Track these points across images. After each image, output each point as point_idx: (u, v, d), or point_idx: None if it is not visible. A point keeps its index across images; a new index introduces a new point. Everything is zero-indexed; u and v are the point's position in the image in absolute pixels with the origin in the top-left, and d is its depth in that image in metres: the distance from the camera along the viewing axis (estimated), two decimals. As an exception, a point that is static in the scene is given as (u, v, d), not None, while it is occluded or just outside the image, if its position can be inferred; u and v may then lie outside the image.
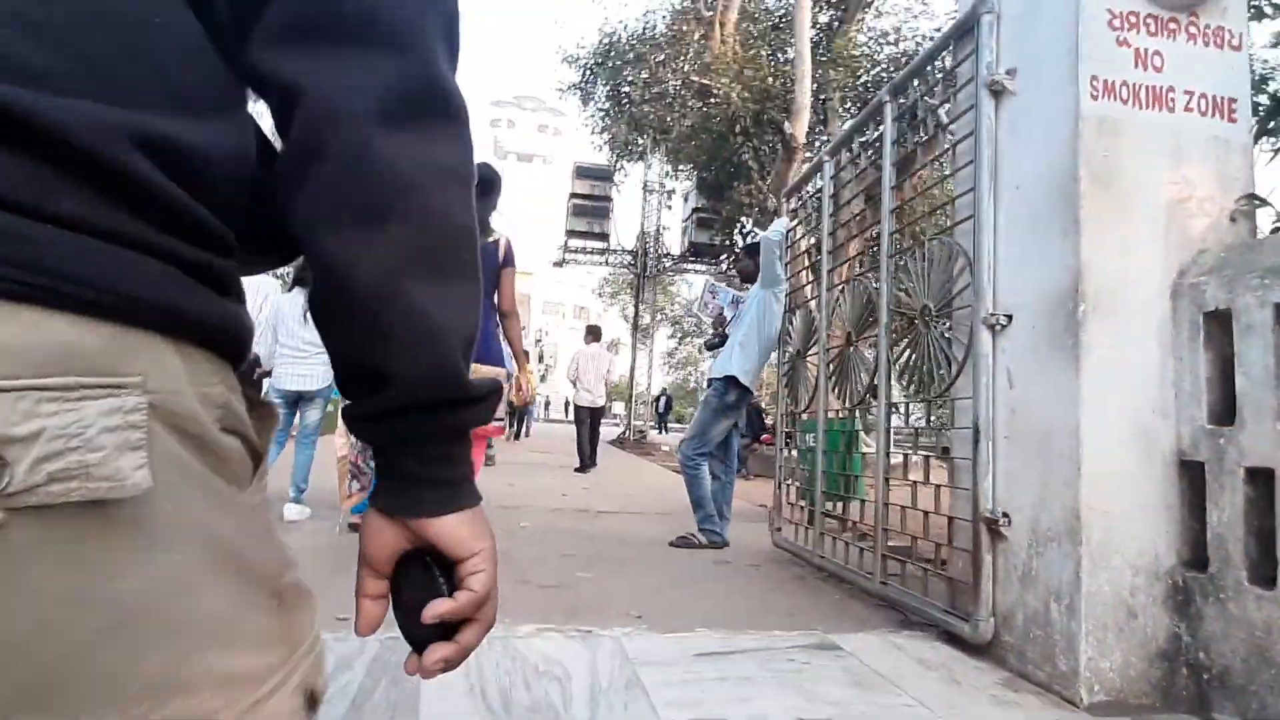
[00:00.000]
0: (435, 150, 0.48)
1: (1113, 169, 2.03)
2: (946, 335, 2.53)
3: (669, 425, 26.03)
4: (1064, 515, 1.94)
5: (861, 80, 12.12)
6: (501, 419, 3.73)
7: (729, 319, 4.81)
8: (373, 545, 0.53)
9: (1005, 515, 2.15)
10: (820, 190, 3.80)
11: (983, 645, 2.18)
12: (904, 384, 2.79)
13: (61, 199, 0.36)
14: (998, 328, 2.25)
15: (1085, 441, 1.91)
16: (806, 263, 4.16)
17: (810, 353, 3.88)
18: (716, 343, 4.81)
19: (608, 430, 17.92)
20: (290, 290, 4.58)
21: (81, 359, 0.35)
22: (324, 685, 0.49)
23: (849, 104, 13.45)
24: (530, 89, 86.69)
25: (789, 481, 4.14)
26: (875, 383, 3.04)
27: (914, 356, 2.70)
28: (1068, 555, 1.92)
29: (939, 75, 2.76)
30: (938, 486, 2.54)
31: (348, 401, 0.52)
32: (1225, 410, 1.87)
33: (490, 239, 3.29)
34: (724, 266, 19.28)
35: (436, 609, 0.50)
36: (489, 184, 3.24)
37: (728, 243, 17.77)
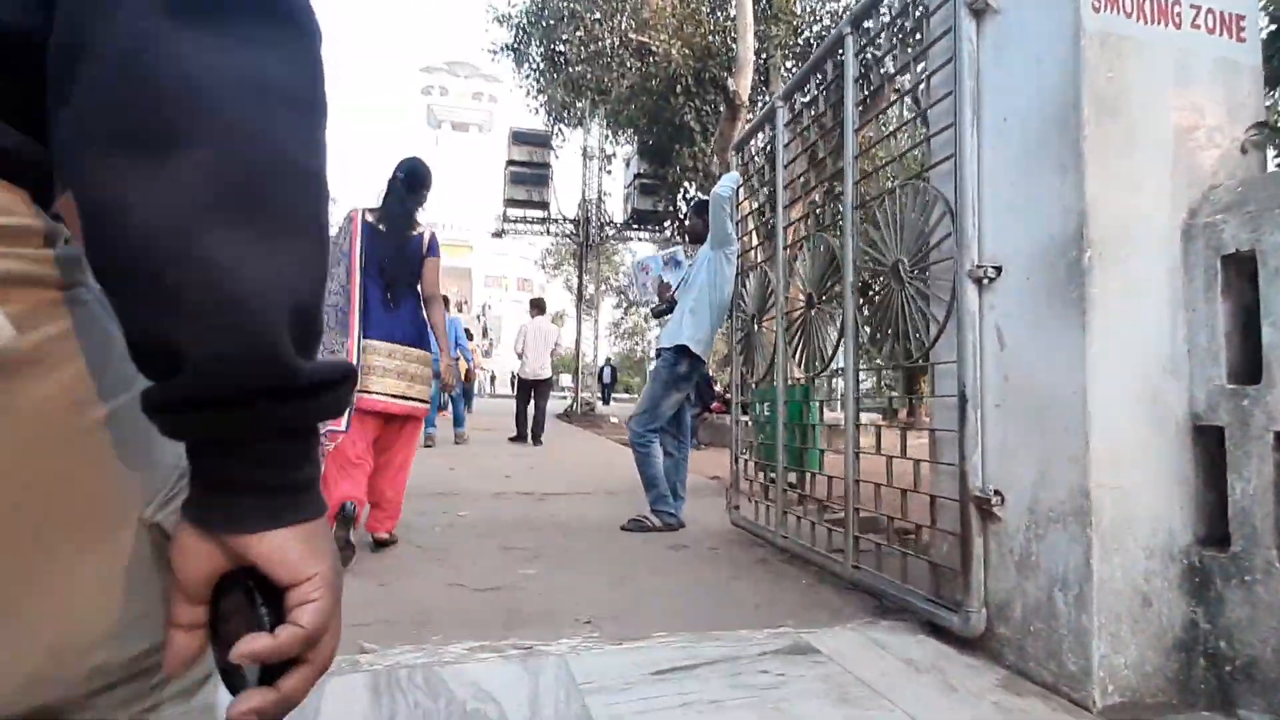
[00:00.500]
0: (252, 58, 0.38)
1: (1118, 94, 1.76)
2: (924, 292, 2.25)
3: (613, 396, 25.87)
4: (1070, 494, 1.70)
5: (804, 37, 11.81)
6: (429, 400, 3.37)
7: (675, 285, 4.48)
8: (185, 565, 0.42)
9: (998, 494, 1.90)
10: (772, 140, 3.48)
11: (974, 639, 1.94)
12: (876, 348, 2.52)
13: None
14: (985, 281, 1.98)
15: (1093, 410, 1.66)
16: (758, 221, 3.84)
17: (767, 317, 3.59)
18: (664, 310, 4.48)
19: (555, 404, 17.54)
20: None
21: None
22: None
23: (791, 61, 13.16)
24: (463, 54, 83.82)
25: (745, 456, 3.88)
26: (840, 348, 2.76)
27: (885, 318, 2.42)
28: (1075, 539, 1.68)
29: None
30: (916, 462, 2.28)
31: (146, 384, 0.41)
32: (1247, 368, 1.64)
33: (415, 231, 3.23)
34: (668, 233, 18.95)
35: (250, 646, 0.40)
36: (420, 179, 3.27)
37: (672, 209, 17.40)
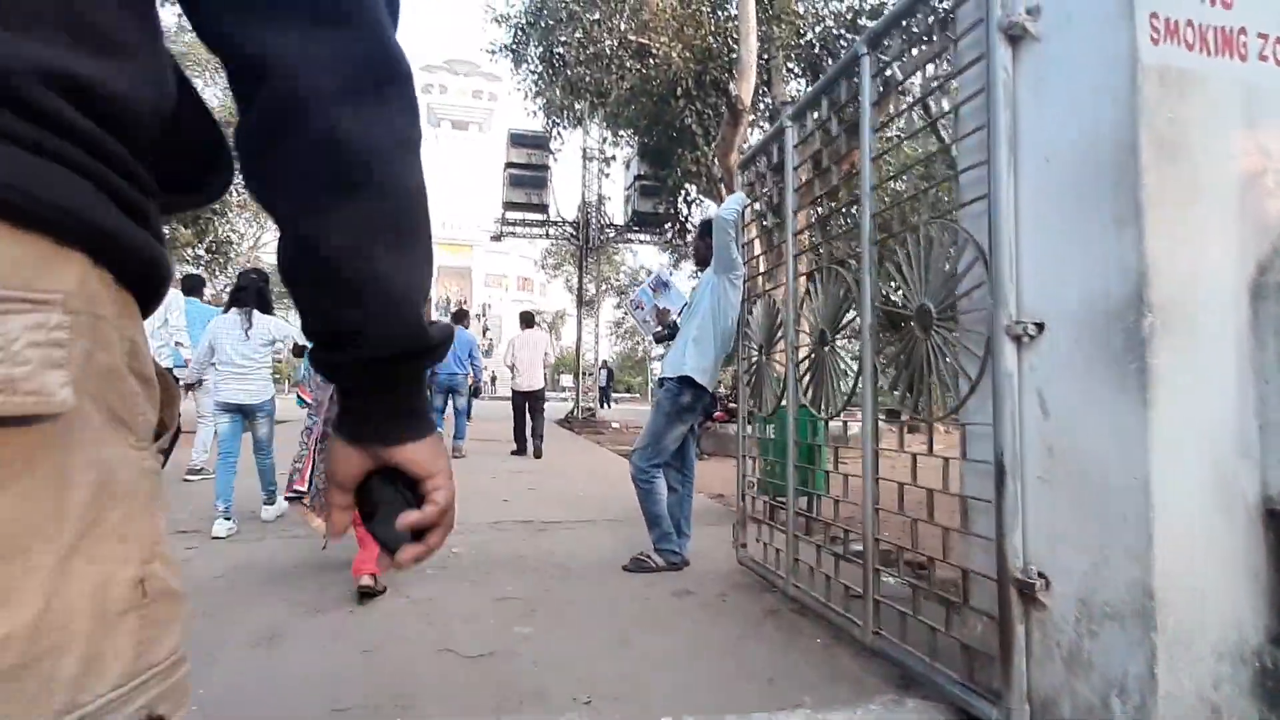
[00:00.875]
0: (394, 121, 0.53)
1: (1179, 136, 1.56)
2: (953, 343, 2.05)
3: (611, 398, 25.74)
4: (1131, 591, 1.50)
5: (806, 38, 11.58)
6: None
7: (674, 308, 4.28)
8: (341, 468, 0.60)
9: (1043, 577, 1.71)
10: (781, 162, 3.28)
11: (1015, 737, 1.75)
12: (898, 399, 2.32)
13: None
14: (1025, 339, 1.78)
15: (1158, 500, 1.47)
16: (766, 245, 3.64)
17: (776, 349, 3.39)
18: (666, 335, 4.28)
19: (556, 407, 17.32)
20: (226, 311, 4.71)
21: (6, 270, 0.35)
22: None
23: (794, 64, 12.93)
24: (462, 52, 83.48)
25: (753, 490, 3.69)
26: (858, 390, 2.57)
27: (910, 367, 2.23)
28: (1137, 643, 1.49)
29: (931, 19, 2.25)
30: (946, 530, 2.08)
31: (313, 345, 0.57)
32: (1332, 449, 1.45)
33: None
34: (669, 236, 18.74)
35: (408, 519, 0.60)
36: None
37: (672, 211, 17.18)
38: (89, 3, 0.41)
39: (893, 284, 2.38)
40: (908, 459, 2.31)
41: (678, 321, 4.06)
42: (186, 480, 5.91)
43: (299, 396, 3.81)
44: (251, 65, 0.48)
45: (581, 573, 3.61)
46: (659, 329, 4.27)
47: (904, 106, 2.40)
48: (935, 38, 2.22)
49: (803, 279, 3.12)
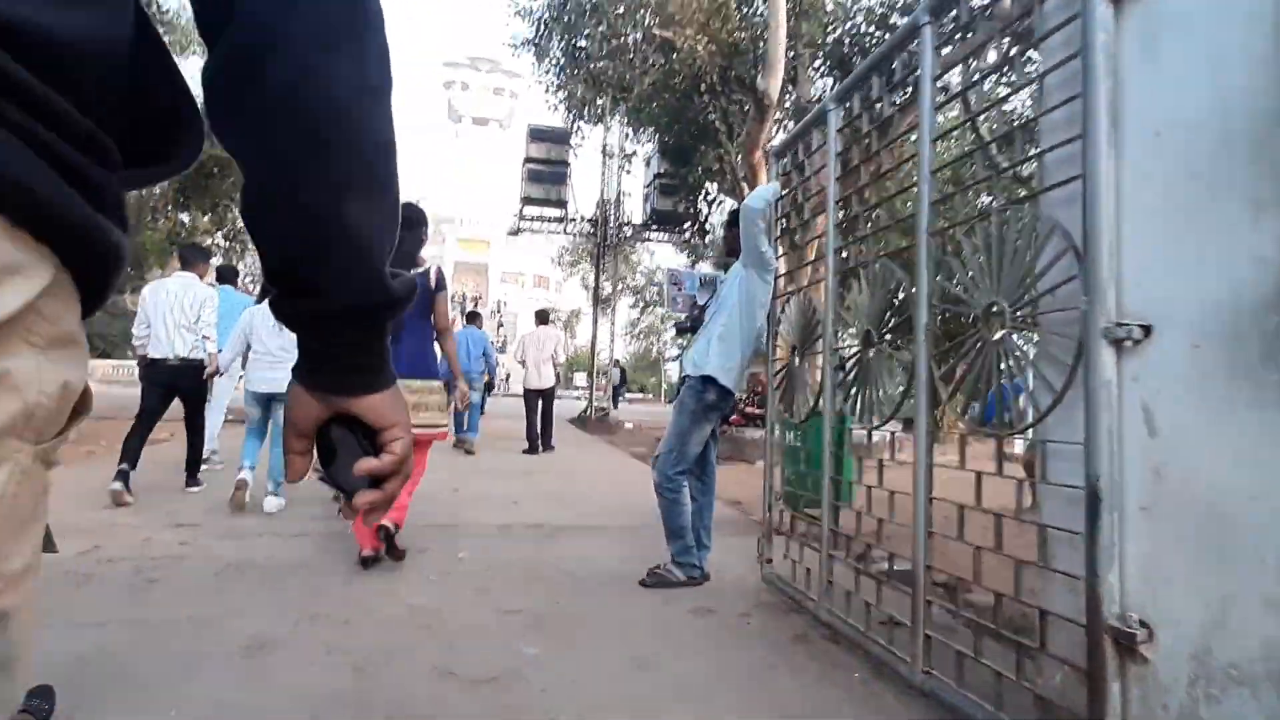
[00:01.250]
0: (366, 69, 0.51)
1: (1334, 103, 1.30)
2: (1030, 347, 1.80)
3: (623, 397, 25.60)
4: (1267, 651, 1.24)
5: (835, 34, 11.28)
6: (444, 424, 3.71)
7: (705, 302, 4.03)
8: (300, 415, 0.61)
9: (1145, 627, 1.45)
10: (823, 147, 3.03)
11: (1104, 811, 1.49)
12: (956, 408, 2.06)
13: None
14: (1127, 344, 1.52)
15: (1310, 540, 1.21)
16: (802, 239, 3.38)
17: (810, 351, 3.14)
18: (689, 327, 4.03)
19: (569, 406, 17.10)
20: (260, 302, 4.98)
21: None
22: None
23: (820, 61, 12.63)
24: (484, 49, 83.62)
25: (780, 505, 3.44)
26: (911, 398, 2.31)
27: (975, 372, 1.97)
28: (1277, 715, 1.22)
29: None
30: (1019, 563, 1.82)
31: (275, 292, 0.56)
32: None
33: (421, 269, 3.51)
34: (688, 235, 18.47)
35: (366, 465, 0.60)
36: (414, 221, 3.49)
37: (692, 210, 16.92)
38: None
39: (954, 280, 2.12)
40: (951, 472, 2.05)
41: (703, 318, 3.81)
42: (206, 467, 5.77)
43: None
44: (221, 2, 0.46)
45: (594, 584, 3.37)
46: (684, 318, 4.02)
47: (972, 78, 2.13)
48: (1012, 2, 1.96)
49: (843, 272, 2.86)
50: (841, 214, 2.90)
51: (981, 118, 2.06)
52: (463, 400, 4.06)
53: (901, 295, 2.45)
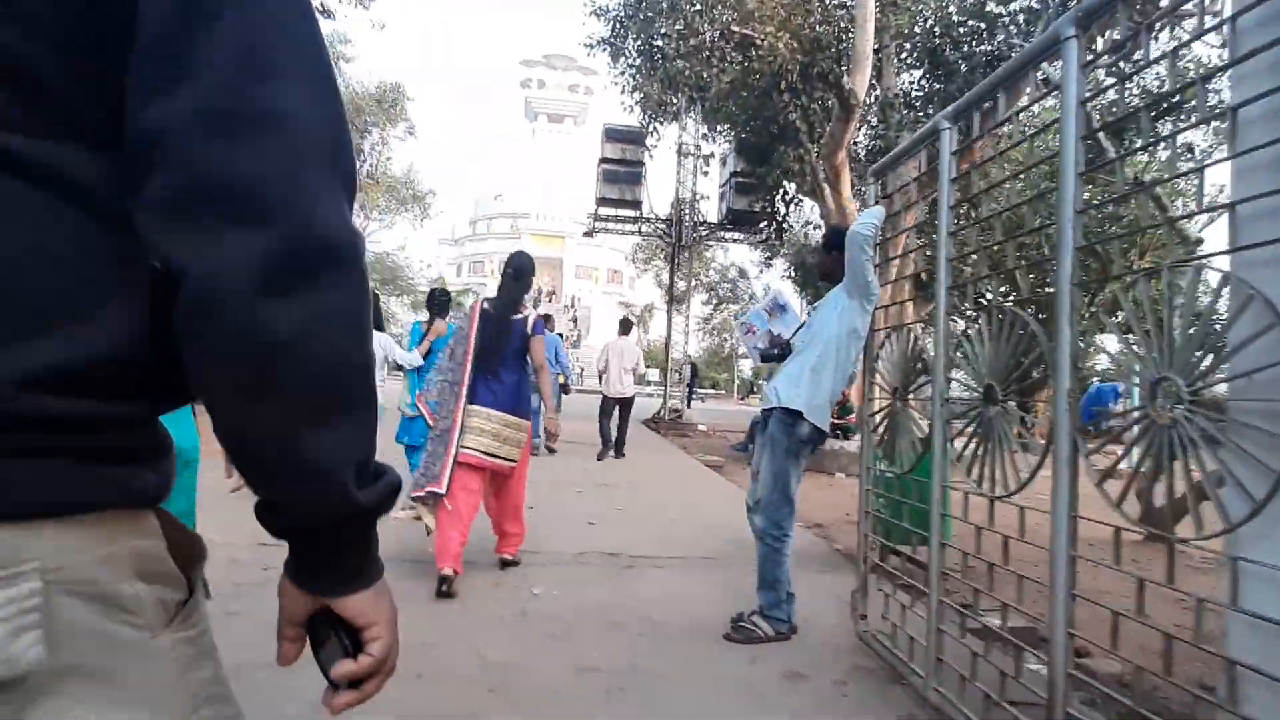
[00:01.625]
0: (322, 301, 0.50)
1: None
2: (1220, 431, 1.49)
3: (695, 393, 25.46)
4: None
5: (928, 25, 10.66)
6: (516, 461, 3.83)
7: (789, 334, 3.75)
8: (288, 607, 0.62)
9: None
10: (933, 169, 2.73)
11: None
12: (1114, 497, 1.76)
13: None
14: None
15: None
16: (908, 270, 3.09)
17: (915, 396, 2.85)
18: (777, 355, 3.77)
19: (643, 405, 16.89)
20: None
21: None
22: None
23: (907, 55, 12.01)
24: (561, 47, 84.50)
25: (873, 556, 3.16)
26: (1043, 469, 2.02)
27: (1150, 459, 1.67)
28: None
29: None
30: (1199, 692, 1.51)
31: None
32: None
33: (520, 315, 3.85)
34: (764, 235, 18.04)
35: (341, 669, 0.61)
36: (526, 272, 3.93)
37: (769, 209, 16.49)
38: (47, 284, 0.45)
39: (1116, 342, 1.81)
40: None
41: (793, 342, 3.55)
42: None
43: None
44: (169, 269, 0.47)
45: (676, 635, 3.18)
46: (771, 350, 3.76)
47: (1130, 112, 1.82)
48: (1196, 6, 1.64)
49: (955, 313, 2.57)
50: (953, 245, 2.60)
51: (1145, 155, 1.74)
52: (552, 434, 4.12)
53: (1033, 351, 2.15)
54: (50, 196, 0.45)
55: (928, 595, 2.58)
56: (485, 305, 3.87)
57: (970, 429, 2.38)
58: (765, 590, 3.17)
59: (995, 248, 2.47)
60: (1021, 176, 2.28)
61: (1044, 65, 2.15)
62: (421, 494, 3.56)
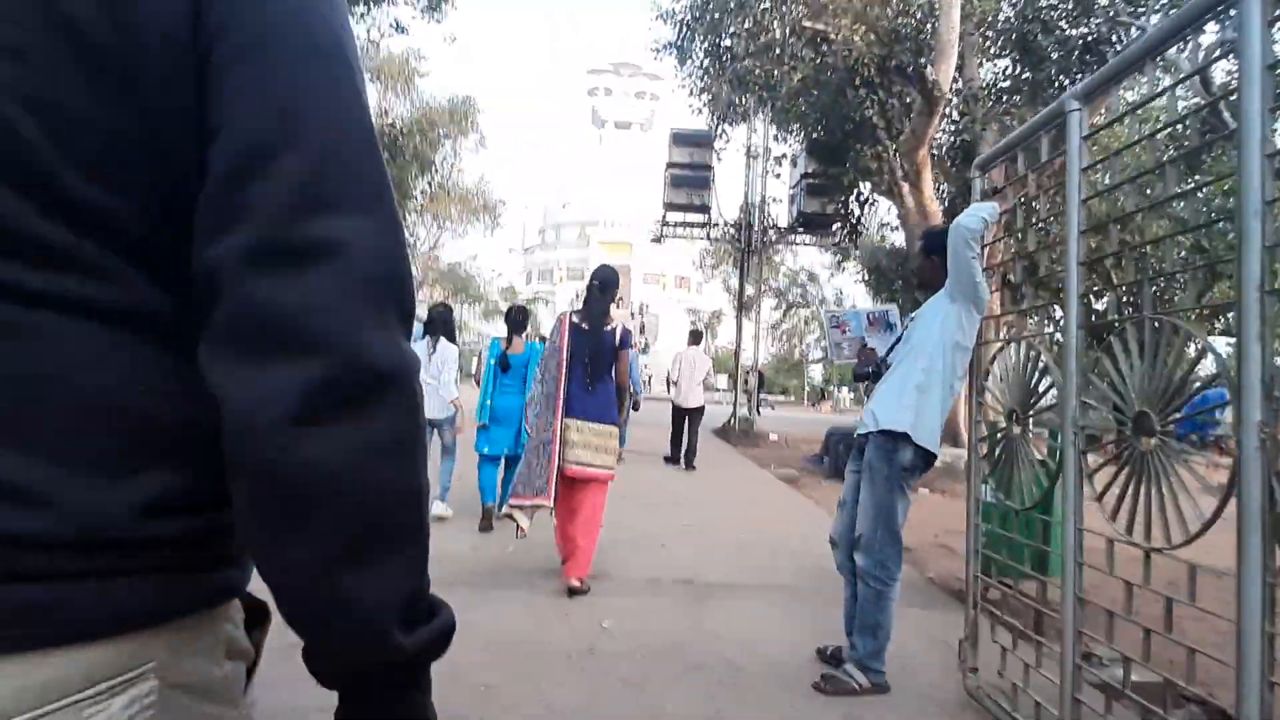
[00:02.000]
0: (365, 431, 0.48)
1: None
2: None
3: (765, 402, 24.97)
4: None
5: (1016, 9, 9.99)
6: (614, 468, 3.97)
7: (883, 349, 3.39)
8: None
9: None
10: (1058, 158, 2.36)
11: None
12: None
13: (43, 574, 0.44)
14: None
15: None
16: (1025, 276, 2.71)
17: (1035, 421, 2.47)
18: (870, 374, 3.41)
19: (713, 413, 16.55)
20: (423, 338, 5.47)
21: (102, 670, 0.44)
22: None
23: (991, 43, 11.31)
24: (627, 55, 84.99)
25: (984, 602, 2.78)
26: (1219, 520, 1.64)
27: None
28: None
29: None
30: None
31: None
32: None
33: (608, 327, 3.90)
34: (837, 239, 17.41)
35: None
36: (611, 284, 3.99)
37: (842, 211, 15.88)
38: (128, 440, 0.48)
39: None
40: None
41: (887, 363, 3.20)
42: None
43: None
44: (217, 397, 0.48)
45: (758, 679, 2.87)
46: (861, 366, 3.41)
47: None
48: None
49: (1090, 327, 2.19)
50: (1084, 246, 2.22)
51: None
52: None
53: (1191, 369, 1.77)
54: (149, 337, 0.49)
55: (1052, 647, 2.21)
56: (574, 319, 3.93)
57: (1121, 465, 2.00)
58: (865, 636, 2.82)
59: (1147, 248, 2.07)
60: (1169, 161, 1.90)
61: (1208, 26, 1.78)
62: (527, 503, 3.71)
